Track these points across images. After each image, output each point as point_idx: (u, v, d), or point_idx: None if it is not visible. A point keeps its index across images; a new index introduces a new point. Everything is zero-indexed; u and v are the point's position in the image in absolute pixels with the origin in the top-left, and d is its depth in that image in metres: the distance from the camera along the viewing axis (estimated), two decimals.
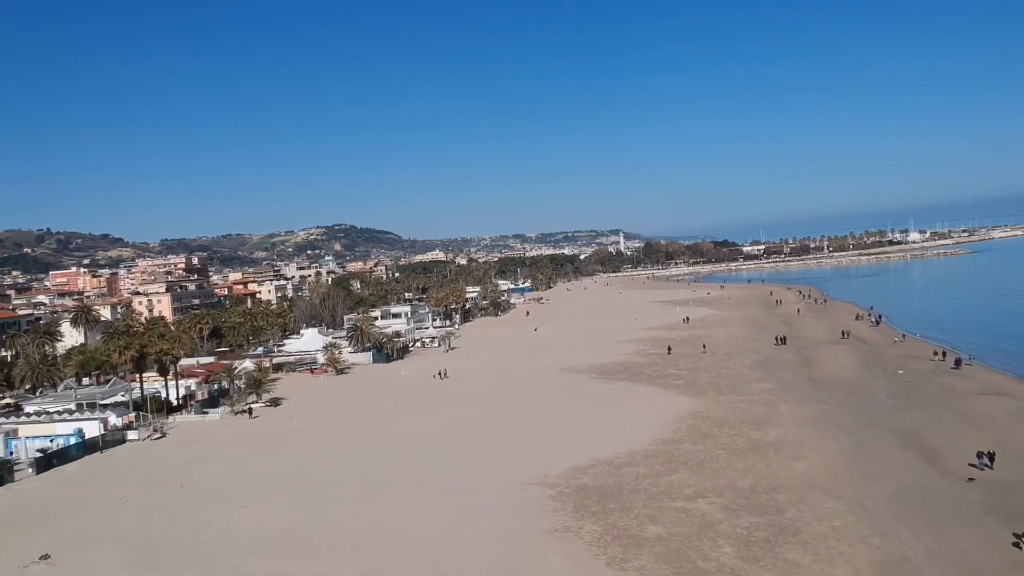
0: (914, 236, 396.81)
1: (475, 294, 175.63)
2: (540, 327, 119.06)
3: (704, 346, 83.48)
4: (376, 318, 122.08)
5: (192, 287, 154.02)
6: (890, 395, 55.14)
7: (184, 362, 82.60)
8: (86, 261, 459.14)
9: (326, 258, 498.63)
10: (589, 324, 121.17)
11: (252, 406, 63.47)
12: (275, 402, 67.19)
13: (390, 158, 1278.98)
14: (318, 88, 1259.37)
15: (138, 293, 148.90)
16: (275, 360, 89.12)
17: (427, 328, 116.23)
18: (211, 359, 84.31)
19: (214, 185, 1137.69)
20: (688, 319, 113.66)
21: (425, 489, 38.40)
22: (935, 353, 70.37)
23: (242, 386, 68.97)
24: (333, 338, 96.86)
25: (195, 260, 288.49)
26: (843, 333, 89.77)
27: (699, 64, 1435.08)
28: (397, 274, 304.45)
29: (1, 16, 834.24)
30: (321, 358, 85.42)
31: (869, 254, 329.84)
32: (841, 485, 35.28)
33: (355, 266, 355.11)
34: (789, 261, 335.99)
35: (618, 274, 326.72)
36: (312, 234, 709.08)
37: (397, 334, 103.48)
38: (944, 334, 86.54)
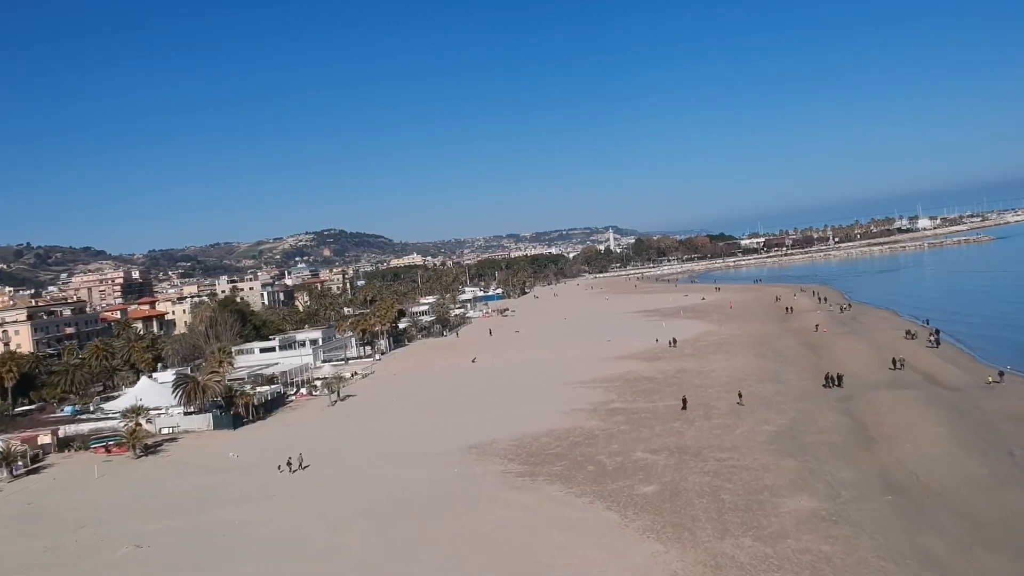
0: (924, 223, 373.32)
1: (426, 307, 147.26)
2: (481, 356, 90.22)
3: (740, 396, 53.90)
4: (272, 349, 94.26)
5: (68, 312, 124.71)
6: None
7: None
8: (64, 276, 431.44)
9: (299, 265, 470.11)
10: (545, 350, 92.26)
11: None
12: None
13: (382, 161, 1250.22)
14: (308, 92, 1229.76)
15: None
16: (68, 431, 60.62)
17: (323, 365, 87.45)
18: None
19: (205, 194, 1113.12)
20: (675, 341, 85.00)
21: None
22: None
23: None
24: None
25: (135, 273, 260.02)
26: (895, 362, 62.17)
27: (697, 57, 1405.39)
28: (360, 282, 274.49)
29: None
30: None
31: (880, 244, 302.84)
32: None
33: (327, 274, 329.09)
34: (792, 255, 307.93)
35: (605, 274, 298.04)
36: (301, 240, 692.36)
37: (272, 379, 74.73)
38: None
